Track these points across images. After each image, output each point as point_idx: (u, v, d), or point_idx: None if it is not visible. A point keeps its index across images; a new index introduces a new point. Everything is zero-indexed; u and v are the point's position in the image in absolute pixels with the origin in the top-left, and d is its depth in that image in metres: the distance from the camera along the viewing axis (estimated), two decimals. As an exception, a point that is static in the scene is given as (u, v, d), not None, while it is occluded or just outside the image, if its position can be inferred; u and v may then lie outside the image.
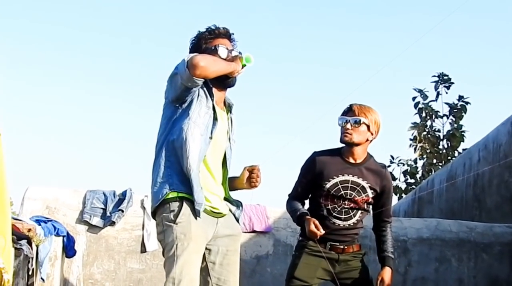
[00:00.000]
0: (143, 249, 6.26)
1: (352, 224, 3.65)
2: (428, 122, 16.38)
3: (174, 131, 2.97)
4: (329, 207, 3.60)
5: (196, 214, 2.91)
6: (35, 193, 6.35)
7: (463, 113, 16.01)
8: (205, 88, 3.05)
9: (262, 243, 6.47)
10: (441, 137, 16.17)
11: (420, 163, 16.28)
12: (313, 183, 3.64)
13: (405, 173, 16.33)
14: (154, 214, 3.06)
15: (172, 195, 2.94)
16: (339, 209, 3.61)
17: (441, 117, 16.26)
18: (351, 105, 3.63)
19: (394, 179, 16.35)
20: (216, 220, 3.03)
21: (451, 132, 15.89)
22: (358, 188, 3.59)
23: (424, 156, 16.12)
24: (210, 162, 3.05)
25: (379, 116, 3.64)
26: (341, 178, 3.59)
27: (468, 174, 8.11)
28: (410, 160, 16.42)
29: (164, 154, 2.98)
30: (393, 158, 16.66)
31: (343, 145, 3.64)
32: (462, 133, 15.80)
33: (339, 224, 3.62)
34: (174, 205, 2.93)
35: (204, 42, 3.12)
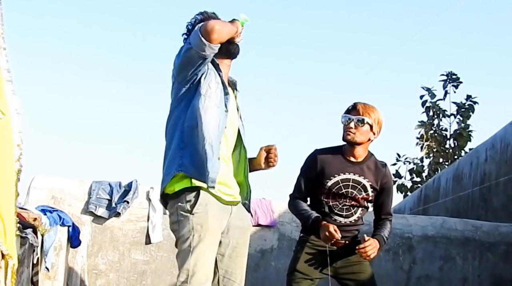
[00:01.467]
0: (148, 241, 6.26)
1: (353, 221, 3.66)
2: (435, 121, 16.36)
3: (188, 110, 2.95)
4: (331, 204, 3.62)
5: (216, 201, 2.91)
6: (41, 183, 6.36)
7: (471, 113, 15.97)
8: (211, 64, 3.05)
9: (267, 237, 6.47)
10: (448, 136, 16.14)
11: (426, 162, 16.27)
12: (315, 181, 3.64)
13: (411, 171, 16.32)
14: (163, 199, 3.01)
15: (180, 176, 2.91)
16: (340, 206, 3.62)
17: (449, 116, 16.23)
18: (355, 104, 3.62)
19: (399, 177, 16.34)
20: (230, 209, 3.00)
21: (458, 131, 15.86)
22: (359, 186, 3.60)
23: (431, 155, 16.09)
24: (229, 137, 3.05)
25: (382, 115, 3.63)
26: (342, 176, 3.59)
27: (475, 173, 8.08)
28: (416, 158, 16.41)
29: (178, 135, 2.96)
30: (399, 156, 16.65)
31: (344, 143, 3.65)
32: (469, 133, 15.77)
33: (340, 221, 3.63)
34: (191, 195, 2.90)
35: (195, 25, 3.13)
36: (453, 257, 6.63)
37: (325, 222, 3.52)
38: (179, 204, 2.91)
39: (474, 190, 8.09)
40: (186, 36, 3.15)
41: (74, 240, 5.97)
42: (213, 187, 2.89)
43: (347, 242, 3.64)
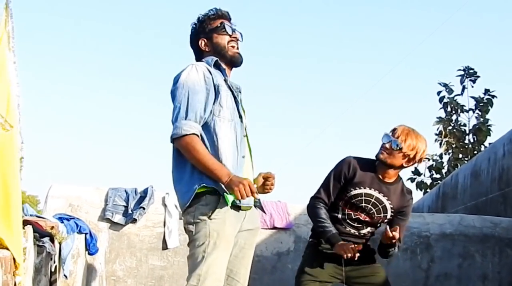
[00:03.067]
0: (165, 246, 6.29)
1: (362, 234, 3.67)
2: (454, 117, 16.19)
3: (203, 133, 2.95)
4: (346, 212, 3.62)
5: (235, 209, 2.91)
6: (58, 191, 6.43)
7: (489, 107, 15.78)
8: (218, 71, 3.07)
9: (283, 239, 6.46)
10: (467, 131, 15.97)
11: (445, 158, 16.10)
12: (341, 186, 3.63)
13: (430, 168, 16.17)
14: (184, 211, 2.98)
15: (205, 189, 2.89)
16: (354, 217, 3.62)
17: (467, 111, 16.06)
18: (398, 127, 3.61)
19: (419, 174, 16.21)
20: (244, 214, 3.01)
21: (477, 126, 15.68)
22: (379, 206, 3.61)
23: (450, 151, 15.93)
24: (240, 146, 3.05)
25: (423, 144, 3.57)
26: (367, 190, 3.60)
27: (493, 168, 7.99)
28: (436, 154, 16.25)
29: None
30: (418, 153, 16.52)
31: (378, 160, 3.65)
32: (489, 127, 15.59)
33: (349, 230, 3.65)
34: (211, 199, 2.88)
35: (208, 23, 3.15)
36: (472, 254, 6.57)
37: (342, 242, 3.50)
38: (199, 205, 2.89)
39: (492, 186, 8.00)
40: (193, 31, 3.19)
41: (91, 247, 6.02)
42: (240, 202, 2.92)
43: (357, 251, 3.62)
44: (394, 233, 3.45)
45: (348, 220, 3.62)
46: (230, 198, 2.84)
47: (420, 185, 16.05)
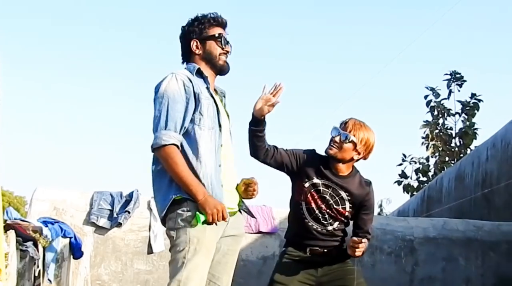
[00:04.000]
0: (150, 250, 6.29)
1: (330, 231, 3.56)
2: (440, 120, 16.30)
3: (183, 141, 2.96)
4: (308, 206, 3.53)
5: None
6: (43, 194, 6.41)
7: (476, 111, 15.91)
8: (200, 79, 3.07)
9: (268, 243, 6.49)
10: (454, 135, 16.08)
11: (432, 161, 16.21)
12: (298, 172, 3.56)
13: (417, 171, 16.27)
14: (164, 220, 2.98)
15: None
16: (316, 211, 3.53)
17: (453, 115, 16.18)
18: (348, 120, 3.55)
19: (406, 177, 16.30)
20: (227, 219, 2.99)
21: (463, 130, 15.80)
22: (337, 198, 3.52)
23: (436, 154, 16.04)
24: (222, 153, 3.05)
25: (373, 138, 3.53)
26: (323, 181, 3.52)
27: (476, 172, 8.07)
28: (422, 158, 16.36)
29: None
30: (405, 156, 16.61)
31: None
32: (475, 131, 15.71)
33: (316, 228, 3.54)
34: (192, 205, 2.88)
35: (206, 27, 3.13)
36: (456, 257, 6.63)
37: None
38: (180, 211, 2.89)
39: (476, 189, 8.08)
40: (188, 28, 3.15)
41: (76, 251, 6.00)
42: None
43: (325, 250, 3.57)
44: (357, 246, 3.35)
45: (313, 215, 3.52)
46: (201, 218, 2.86)
47: (407, 188, 16.15)
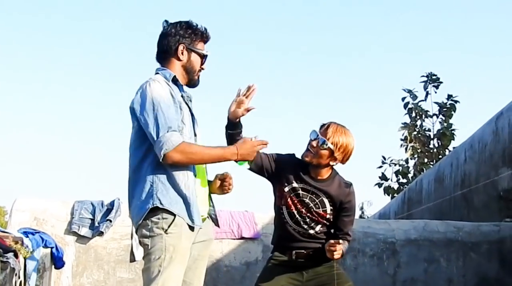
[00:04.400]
0: (132, 258, 6.27)
1: (312, 234, 3.56)
2: (418, 122, 16.48)
3: None
4: (288, 210, 3.53)
5: (189, 228, 2.92)
6: (23, 205, 6.35)
7: (453, 112, 16.11)
8: (175, 86, 3.06)
9: (251, 249, 6.49)
10: (432, 136, 16.26)
11: (411, 163, 16.37)
12: (277, 177, 3.56)
13: (397, 173, 16.41)
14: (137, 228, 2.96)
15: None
16: (297, 215, 3.53)
17: (431, 116, 16.36)
18: (328, 124, 3.51)
19: (386, 179, 16.44)
20: (199, 226, 3.02)
21: (441, 131, 15.98)
22: (317, 201, 3.52)
23: (415, 156, 16.20)
24: None
25: (352, 143, 3.48)
26: (302, 185, 3.51)
27: (455, 173, 8.16)
28: (402, 159, 16.51)
29: (149, 167, 2.91)
30: (384, 158, 16.76)
31: None
32: (452, 131, 15.90)
33: (299, 231, 3.55)
34: (167, 214, 2.87)
35: (196, 38, 3.13)
36: (437, 259, 6.69)
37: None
38: (154, 218, 2.88)
39: (455, 190, 8.17)
40: (177, 30, 3.11)
41: (58, 261, 5.96)
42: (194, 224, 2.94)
43: (310, 253, 3.56)
44: (334, 248, 3.33)
45: (294, 219, 3.53)
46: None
47: (387, 190, 16.28)
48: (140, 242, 2.97)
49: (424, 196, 9.26)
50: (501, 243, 6.77)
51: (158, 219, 2.87)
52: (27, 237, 5.65)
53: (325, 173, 3.54)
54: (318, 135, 3.47)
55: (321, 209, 3.52)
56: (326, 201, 3.52)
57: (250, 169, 3.54)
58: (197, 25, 3.16)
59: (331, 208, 3.53)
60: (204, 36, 3.17)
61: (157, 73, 3.11)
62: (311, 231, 3.56)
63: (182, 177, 2.93)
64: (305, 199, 3.52)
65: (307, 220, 3.53)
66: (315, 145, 3.46)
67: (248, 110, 3.30)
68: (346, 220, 3.56)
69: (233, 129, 3.32)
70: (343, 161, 3.51)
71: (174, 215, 2.89)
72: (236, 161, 3.03)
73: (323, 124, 3.52)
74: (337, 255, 3.36)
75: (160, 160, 2.84)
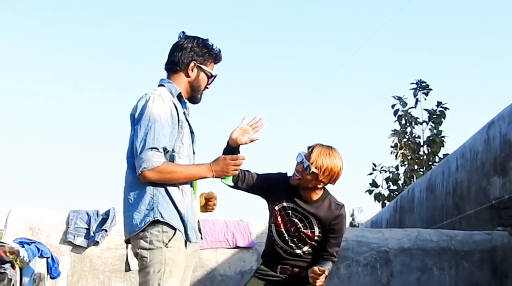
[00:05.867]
0: (128, 268, 6.27)
1: (298, 254, 3.60)
2: (408, 129, 16.54)
3: None
4: (277, 229, 3.58)
5: (186, 241, 2.98)
6: (18, 214, 6.35)
7: (442, 119, 16.18)
8: (178, 103, 3.08)
9: (246, 258, 6.52)
10: (422, 143, 16.32)
11: (401, 170, 16.42)
12: (268, 195, 3.62)
13: (387, 180, 16.47)
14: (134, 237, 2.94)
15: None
16: (285, 234, 3.57)
17: (421, 123, 16.43)
18: (314, 147, 3.51)
19: (376, 186, 16.48)
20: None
21: (431, 138, 16.05)
22: (306, 222, 3.54)
23: (406, 162, 16.25)
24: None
25: (338, 166, 3.47)
26: (293, 205, 3.55)
27: (447, 182, 8.23)
28: (392, 166, 16.56)
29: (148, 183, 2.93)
30: (375, 165, 16.80)
31: None
32: (442, 138, 15.97)
33: (286, 250, 3.59)
34: (168, 228, 2.90)
35: (209, 59, 3.18)
36: (430, 267, 6.75)
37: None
38: (154, 231, 2.89)
39: (447, 199, 8.24)
40: (192, 46, 3.14)
41: (53, 271, 5.96)
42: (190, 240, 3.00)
43: (295, 269, 3.60)
44: (317, 278, 3.37)
45: (282, 238, 3.58)
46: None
47: (378, 197, 16.33)
48: (136, 254, 2.96)
49: (416, 204, 9.33)
50: (493, 252, 6.84)
51: (159, 232, 2.90)
52: (23, 247, 5.65)
53: (316, 195, 3.57)
54: (303, 159, 3.48)
55: (309, 230, 3.55)
56: (314, 222, 3.55)
57: (240, 189, 3.58)
58: (212, 45, 3.20)
59: (319, 230, 3.56)
60: (217, 58, 3.23)
61: (162, 85, 3.13)
62: (298, 251, 3.60)
63: (178, 192, 2.97)
64: (294, 219, 3.55)
65: (295, 239, 3.58)
66: (300, 170, 3.48)
67: (252, 140, 3.35)
68: (332, 241, 3.59)
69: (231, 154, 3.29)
70: (331, 183, 3.52)
71: (175, 229, 2.92)
72: (215, 178, 3.07)
73: (309, 147, 3.54)
74: (319, 283, 3.39)
75: (137, 175, 2.89)
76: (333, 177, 3.49)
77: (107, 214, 6.38)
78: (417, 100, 16.50)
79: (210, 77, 3.20)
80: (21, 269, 5.48)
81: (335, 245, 3.62)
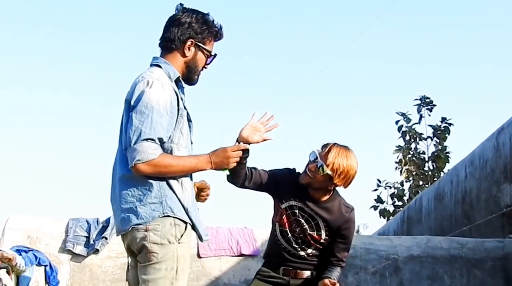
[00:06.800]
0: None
1: (302, 255, 3.40)
2: (413, 145, 16.44)
3: None
4: (281, 228, 3.38)
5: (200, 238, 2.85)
6: (16, 223, 6.20)
7: (447, 135, 16.09)
8: (177, 89, 2.84)
9: (251, 266, 6.32)
10: (426, 159, 16.21)
11: (406, 185, 16.30)
12: (275, 193, 3.41)
13: (392, 195, 16.32)
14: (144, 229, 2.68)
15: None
16: (289, 234, 3.37)
17: (425, 139, 16.33)
18: (330, 147, 3.28)
19: (381, 202, 16.33)
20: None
21: (435, 153, 15.95)
22: (312, 223, 3.35)
23: (410, 178, 16.13)
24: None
25: (354, 168, 3.27)
26: (300, 204, 3.34)
27: (456, 191, 8.06)
28: (397, 182, 16.43)
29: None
30: (380, 181, 16.66)
31: None
32: (447, 154, 15.86)
33: (289, 250, 3.39)
34: (179, 221, 2.70)
35: (208, 36, 2.90)
36: (441, 276, 6.55)
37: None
38: (166, 225, 2.67)
39: (456, 208, 8.06)
40: (189, 22, 2.86)
41: (52, 280, 5.81)
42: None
43: (297, 271, 3.40)
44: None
45: (287, 237, 3.38)
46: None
47: (383, 213, 16.18)
48: (141, 247, 2.68)
49: (424, 214, 9.15)
50: (505, 260, 6.64)
51: (171, 225, 2.68)
52: (20, 254, 5.52)
53: (325, 195, 3.37)
54: (317, 158, 3.27)
55: (315, 232, 3.36)
56: (322, 224, 3.35)
57: (247, 188, 3.38)
58: (213, 21, 2.91)
59: (327, 232, 3.36)
60: (217, 36, 2.94)
61: (159, 65, 2.85)
62: (302, 253, 3.40)
63: (178, 186, 2.75)
64: (300, 219, 3.35)
65: (299, 241, 3.37)
66: (313, 169, 3.27)
67: (264, 139, 3.12)
68: (341, 246, 3.40)
69: (242, 154, 3.00)
70: (344, 186, 3.32)
71: (186, 224, 2.73)
72: (214, 170, 2.85)
73: (325, 145, 3.32)
74: None
75: (129, 167, 2.66)
76: (348, 181, 3.28)
77: (107, 221, 6.22)
78: (421, 116, 16.43)
79: (209, 56, 2.94)
80: (18, 277, 5.35)
81: (344, 250, 3.43)
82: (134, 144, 2.64)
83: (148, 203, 2.68)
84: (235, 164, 2.87)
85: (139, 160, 2.61)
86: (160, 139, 2.68)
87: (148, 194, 2.70)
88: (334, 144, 3.30)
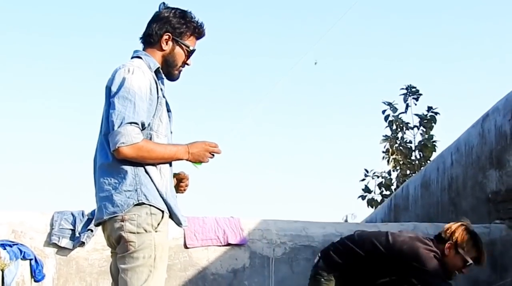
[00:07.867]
0: (115, 269, 6.06)
1: None
2: (399, 134, 16.48)
3: None
4: None
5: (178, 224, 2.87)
6: (0, 217, 6.14)
7: (433, 124, 16.15)
8: (157, 80, 2.88)
9: (238, 256, 6.31)
10: (413, 148, 16.26)
11: (394, 175, 16.34)
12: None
13: (380, 185, 16.37)
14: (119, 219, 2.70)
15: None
16: None
17: (412, 128, 16.37)
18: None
19: (369, 191, 16.37)
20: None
21: (422, 143, 16.01)
22: None
23: (398, 168, 16.18)
24: None
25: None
26: None
27: (442, 178, 8.08)
28: (384, 172, 16.47)
29: (127, 162, 2.72)
30: (367, 171, 16.70)
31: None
32: (434, 143, 15.93)
33: None
34: (156, 210, 2.72)
35: (187, 33, 2.95)
36: (428, 262, 6.55)
37: None
38: (142, 213, 2.69)
39: (442, 195, 8.09)
40: (167, 16, 2.93)
41: (37, 274, 5.79)
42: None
43: None
44: None
45: None
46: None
47: (371, 202, 16.23)
48: (118, 237, 2.71)
49: (411, 201, 9.17)
50: (492, 245, 6.66)
51: (147, 214, 2.70)
52: (5, 249, 5.49)
53: None
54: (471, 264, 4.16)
55: None
56: None
57: None
58: (192, 17, 2.97)
59: None
60: (196, 31, 2.98)
61: (140, 57, 2.91)
62: None
63: (157, 173, 2.77)
64: None
65: None
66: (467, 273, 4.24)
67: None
68: None
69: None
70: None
71: (162, 212, 2.75)
72: (189, 161, 2.88)
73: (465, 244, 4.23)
74: None
75: (111, 151, 2.68)
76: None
77: (93, 214, 6.17)
78: (407, 106, 16.46)
79: (190, 52, 2.97)
80: (2, 271, 5.32)
81: None
82: (118, 127, 2.66)
83: (123, 191, 2.71)
84: (208, 160, 2.89)
85: (123, 143, 2.64)
86: (143, 124, 2.72)
87: (123, 182, 2.72)
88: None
